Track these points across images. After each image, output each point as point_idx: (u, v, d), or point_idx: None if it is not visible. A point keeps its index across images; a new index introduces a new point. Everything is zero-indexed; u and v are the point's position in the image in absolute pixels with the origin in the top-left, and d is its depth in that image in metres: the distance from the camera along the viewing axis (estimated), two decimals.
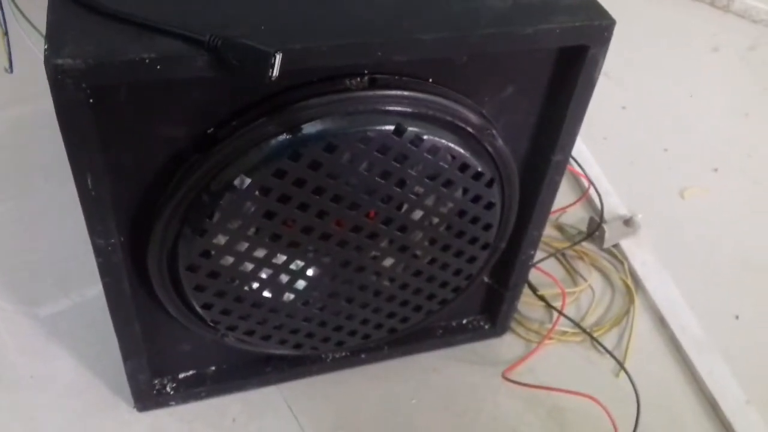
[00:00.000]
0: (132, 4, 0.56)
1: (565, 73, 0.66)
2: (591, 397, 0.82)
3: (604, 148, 1.17)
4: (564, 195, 1.08)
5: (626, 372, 0.86)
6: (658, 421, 0.83)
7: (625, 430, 0.81)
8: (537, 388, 0.84)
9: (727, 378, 0.89)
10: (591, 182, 1.07)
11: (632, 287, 0.98)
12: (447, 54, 0.62)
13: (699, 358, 0.90)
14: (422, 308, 0.79)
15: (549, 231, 1.03)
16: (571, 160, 1.03)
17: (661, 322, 0.95)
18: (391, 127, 0.62)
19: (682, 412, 0.86)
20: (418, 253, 0.73)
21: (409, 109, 0.64)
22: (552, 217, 1.02)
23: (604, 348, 0.89)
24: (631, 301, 0.96)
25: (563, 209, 1.06)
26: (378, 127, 0.62)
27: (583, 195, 1.09)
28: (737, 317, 0.97)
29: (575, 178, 1.12)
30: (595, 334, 0.91)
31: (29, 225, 0.98)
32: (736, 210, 1.12)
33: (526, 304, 0.93)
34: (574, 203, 1.08)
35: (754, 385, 0.88)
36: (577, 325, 0.91)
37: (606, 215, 1.03)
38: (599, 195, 1.05)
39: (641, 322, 0.95)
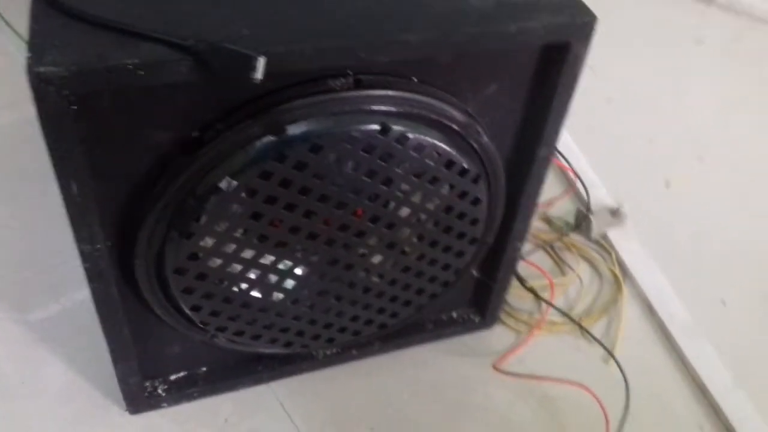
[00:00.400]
0: (115, 10, 0.56)
1: (549, 70, 0.66)
2: (581, 386, 0.83)
3: (590, 141, 1.18)
4: (551, 188, 1.08)
5: (615, 360, 0.87)
6: (648, 407, 0.84)
7: (616, 417, 0.82)
8: (527, 378, 0.85)
9: (715, 362, 0.90)
10: (577, 175, 1.07)
11: (620, 276, 0.98)
12: (431, 54, 0.62)
13: (687, 343, 0.91)
14: (412, 303, 0.80)
15: (537, 223, 1.04)
16: (557, 154, 1.04)
17: (649, 310, 0.96)
18: (377, 127, 0.62)
19: (671, 398, 0.87)
20: (407, 249, 0.74)
21: (394, 109, 0.64)
22: (539, 209, 1.03)
23: (593, 337, 0.90)
24: (619, 290, 0.97)
25: (550, 202, 1.07)
26: (363, 127, 0.62)
27: (570, 187, 1.09)
28: (724, 303, 0.98)
29: (562, 171, 1.12)
30: (584, 324, 0.92)
31: (17, 230, 0.97)
32: (721, 198, 1.12)
33: (515, 296, 0.93)
34: (562, 196, 1.08)
35: (742, 368, 0.89)
36: (565, 315, 0.92)
37: (593, 206, 1.04)
38: (585, 187, 1.06)
39: (629, 310, 0.95)
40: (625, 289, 0.97)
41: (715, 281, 1.00)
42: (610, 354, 0.88)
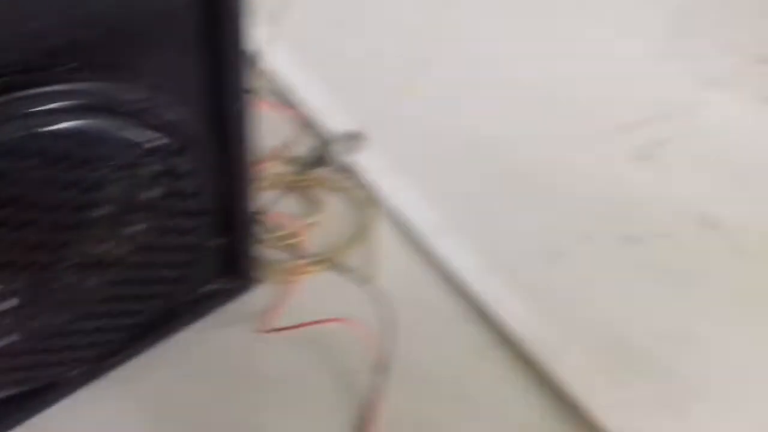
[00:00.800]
0: None
1: (217, 15, 0.63)
2: (348, 319, 0.84)
3: (317, 68, 1.16)
4: (285, 129, 1.06)
5: (377, 284, 0.88)
6: (418, 323, 0.87)
7: (388, 340, 0.83)
8: (295, 329, 0.84)
9: (474, 263, 0.93)
10: (307, 109, 1.06)
11: (371, 200, 1.00)
12: (72, 37, 0.56)
13: (444, 249, 0.94)
14: (158, 295, 0.75)
15: (278, 168, 1.01)
16: (281, 90, 1.01)
17: (403, 226, 0.98)
18: (46, 128, 0.56)
19: (438, 308, 0.90)
20: (134, 245, 0.69)
21: (55, 105, 0.57)
22: (278, 153, 1.01)
23: (351, 268, 0.91)
24: (373, 213, 0.98)
25: (289, 143, 1.04)
26: (19, 134, 0.55)
27: (307, 123, 1.08)
28: (479, 204, 1.02)
29: (292, 109, 1.10)
30: (343, 257, 0.92)
31: None
32: (454, 94, 1.16)
33: (270, 248, 0.91)
34: (299, 133, 1.06)
35: (502, 268, 0.93)
36: (322, 255, 0.92)
37: (332, 135, 1.04)
38: (319, 117, 1.05)
39: (386, 232, 0.97)
40: (378, 212, 0.99)
41: (469, 182, 1.04)
42: (372, 281, 0.90)
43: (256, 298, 0.88)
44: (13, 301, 0.63)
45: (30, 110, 0.56)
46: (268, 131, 1.03)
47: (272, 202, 0.95)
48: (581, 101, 1.16)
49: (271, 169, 0.97)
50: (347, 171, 1.03)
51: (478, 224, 0.99)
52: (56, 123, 0.56)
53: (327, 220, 0.97)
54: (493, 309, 0.89)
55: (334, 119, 1.08)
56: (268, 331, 0.85)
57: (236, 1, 0.62)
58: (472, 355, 0.87)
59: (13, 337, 0.65)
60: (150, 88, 0.63)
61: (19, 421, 0.75)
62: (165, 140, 0.64)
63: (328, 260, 0.92)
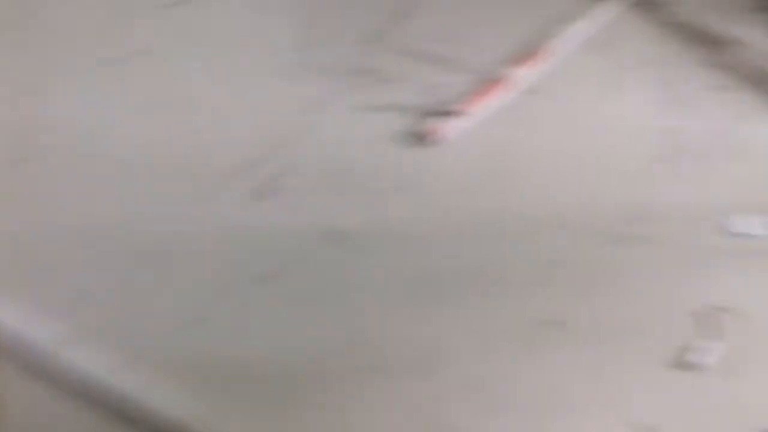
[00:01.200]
0: None
1: None
2: None
3: None
4: None
5: None
6: None
7: None
8: None
9: (111, 364, 0.86)
10: None
11: None
12: None
13: (80, 364, 0.86)
14: None
15: None
16: None
17: (25, 354, 0.87)
18: None
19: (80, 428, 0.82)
20: None
21: None
22: None
23: None
24: None
25: None
26: None
27: None
28: (106, 296, 0.95)
29: None
30: None
31: None
32: (61, 188, 1.09)
33: None
34: None
35: (141, 355, 0.87)
36: None
37: None
38: None
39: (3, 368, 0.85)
40: None
41: (86, 277, 0.97)
42: None
43: None
44: None
45: None
46: None
47: None
48: (189, 156, 1.15)
49: None
50: None
51: (108, 318, 0.92)
52: None
53: None
54: (145, 404, 0.83)
55: None
56: None
57: None
58: None
59: None
60: None
61: None
62: None
63: None
